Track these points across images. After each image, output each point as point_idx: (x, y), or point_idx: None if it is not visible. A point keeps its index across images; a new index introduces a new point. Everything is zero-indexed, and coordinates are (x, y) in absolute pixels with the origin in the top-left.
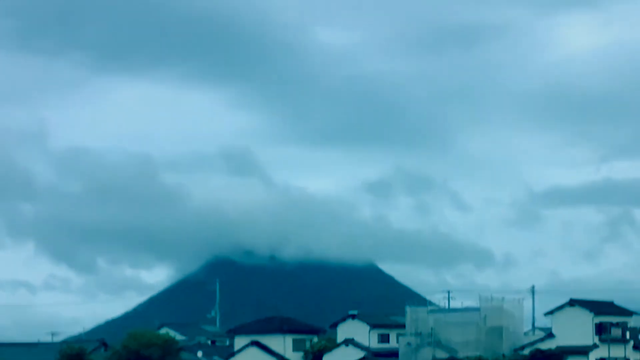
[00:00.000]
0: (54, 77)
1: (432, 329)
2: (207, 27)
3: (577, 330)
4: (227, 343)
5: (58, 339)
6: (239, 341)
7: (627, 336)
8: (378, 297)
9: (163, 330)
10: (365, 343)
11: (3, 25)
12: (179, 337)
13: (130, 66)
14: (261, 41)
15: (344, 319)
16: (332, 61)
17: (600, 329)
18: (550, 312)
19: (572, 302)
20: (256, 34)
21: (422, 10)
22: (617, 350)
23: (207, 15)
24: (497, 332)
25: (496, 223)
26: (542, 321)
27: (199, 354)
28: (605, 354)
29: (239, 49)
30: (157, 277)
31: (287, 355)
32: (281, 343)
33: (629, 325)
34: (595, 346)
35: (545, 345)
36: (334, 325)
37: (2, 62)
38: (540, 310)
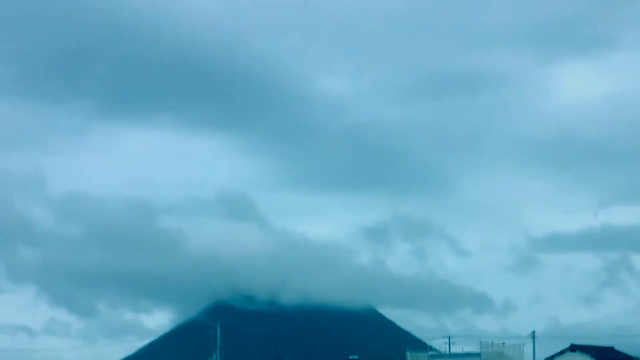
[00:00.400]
0: (56, 123)
1: None
2: (209, 74)
3: None
4: None
5: None
6: None
7: None
8: (378, 342)
9: None
10: None
11: (6, 72)
12: None
13: (132, 113)
14: (263, 89)
15: None
16: (334, 108)
17: None
18: (551, 358)
19: (573, 348)
20: (258, 81)
21: (424, 58)
22: None
23: (209, 63)
24: None
25: (496, 268)
26: None
27: None
28: None
29: (240, 96)
30: (158, 321)
31: None
32: None
33: None
34: None
35: None
36: None
37: (5, 108)
38: (541, 355)
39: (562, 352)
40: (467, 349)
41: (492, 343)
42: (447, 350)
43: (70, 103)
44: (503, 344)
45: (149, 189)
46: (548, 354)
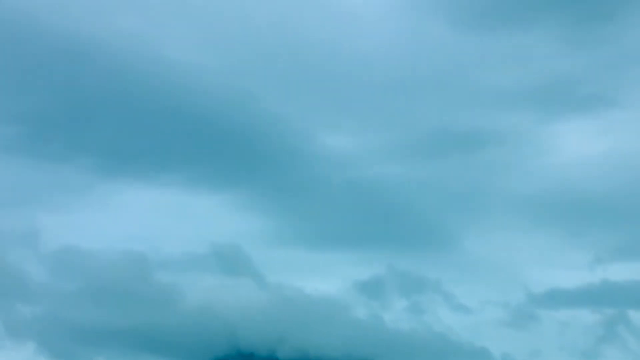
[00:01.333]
0: (59, 181)
1: None
2: (211, 132)
3: None
4: None
5: None
6: None
7: None
8: None
9: None
10: None
11: (10, 131)
12: None
13: (133, 171)
14: (265, 146)
15: None
16: (335, 165)
17: None
18: None
19: None
20: (260, 139)
21: (425, 117)
22: None
23: (212, 121)
24: None
25: (494, 324)
26: None
27: None
28: None
29: (242, 154)
30: None
31: None
32: None
33: None
34: None
35: None
36: None
37: (9, 167)
38: None
39: None
40: None
41: None
42: None
43: (73, 161)
44: None
45: (147, 244)
46: None
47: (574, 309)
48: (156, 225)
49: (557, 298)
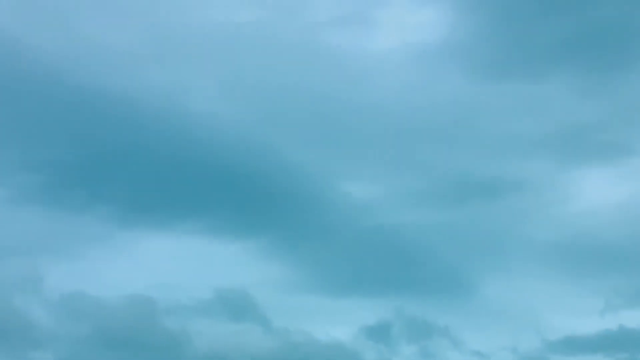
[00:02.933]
0: (78, 230)
1: None
2: (230, 181)
3: None
4: None
5: None
6: None
7: None
8: None
9: None
10: None
11: (31, 180)
12: None
13: (153, 219)
14: (284, 194)
15: None
16: (353, 212)
17: None
18: None
19: None
20: (279, 187)
21: (442, 164)
22: None
23: (230, 170)
24: None
25: None
26: None
27: None
28: None
29: (260, 202)
30: None
31: None
32: None
33: None
34: None
35: None
36: None
37: (29, 215)
38: None
39: None
40: None
41: None
42: None
43: (93, 210)
44: None
45: (163, 291)
46: None
47: (589, 355)
48: (173, 272)
49: (572, 345)
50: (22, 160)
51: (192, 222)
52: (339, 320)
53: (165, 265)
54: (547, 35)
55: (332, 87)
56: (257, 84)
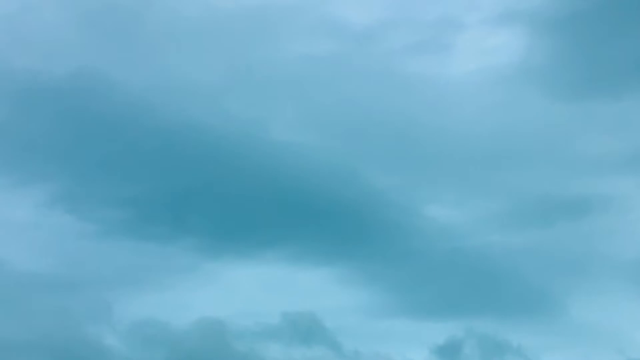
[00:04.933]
0: (165, 262)
1: None
2: (313, 208)
3: None
4: None
5: None
6: None
7: None
8: None
9: None
10: None
11: (117, 215)
12: None
13: (237, 249)
14: (367, 219)
15: None
16: (436, 236)
17: None
18: None
19: None
20: (362, 213)
21: (525, 185)
22: None
23: (313, 198)
24: None
25: None
26: None
27: None
28: None
29: (345, 228)
30: None
31: None
32: None
33: None
34: None
35: None
36: None
37: (119, 249)
38: None
39: None
40: None
41: None
42: None
43: (178, 242)
44: None
45: (242, 318)
46: None
47: None
48: (256, 300)
49: None
50: (109, 194)
51: (276, 250)
52: (418, 342)
53: (248, 293)
54: (624, 53)
55: (412, 113)
56: (338, 111)
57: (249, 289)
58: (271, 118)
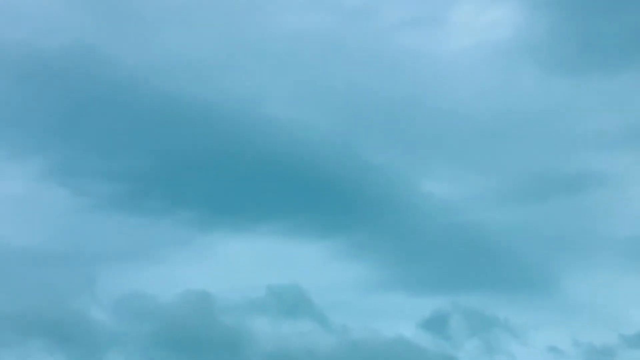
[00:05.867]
0: (159, 235)
1: None
2: (309, 183)
3: None
4: None
5: None
6: None
7: None
8: None
9: None
10: None
11: (112, 189)
12: None
13: (232, 222)
14: (363, 195)
15: None
16: (433, 212)
17: None
18: None
19: None
20: (358, 188)
21: (523, 161)
22: None
23: (311, 172)
24: None
25: None
26: None
27: None
28: None
29: (341, 203)
30: None
31: None
32: None
33: None
34: None
35: None
36: None
37: (114, 222)
38: None
39: None
40: None
41: None
42: None
43: (172, 216)
44: None
45: (233, 292)
46: None
47: None
48: (250, 272)
49: None
50: (104, 168)
51: (271, 224)
52: (406, 317)
53: (238, 266)
54: (621, 28)
55: (407, 88)
56: (332, 87)
57: (239, 262)
58: (265, 93)
